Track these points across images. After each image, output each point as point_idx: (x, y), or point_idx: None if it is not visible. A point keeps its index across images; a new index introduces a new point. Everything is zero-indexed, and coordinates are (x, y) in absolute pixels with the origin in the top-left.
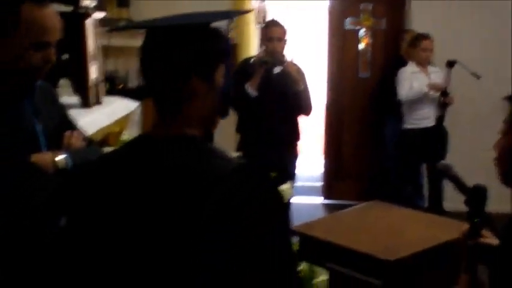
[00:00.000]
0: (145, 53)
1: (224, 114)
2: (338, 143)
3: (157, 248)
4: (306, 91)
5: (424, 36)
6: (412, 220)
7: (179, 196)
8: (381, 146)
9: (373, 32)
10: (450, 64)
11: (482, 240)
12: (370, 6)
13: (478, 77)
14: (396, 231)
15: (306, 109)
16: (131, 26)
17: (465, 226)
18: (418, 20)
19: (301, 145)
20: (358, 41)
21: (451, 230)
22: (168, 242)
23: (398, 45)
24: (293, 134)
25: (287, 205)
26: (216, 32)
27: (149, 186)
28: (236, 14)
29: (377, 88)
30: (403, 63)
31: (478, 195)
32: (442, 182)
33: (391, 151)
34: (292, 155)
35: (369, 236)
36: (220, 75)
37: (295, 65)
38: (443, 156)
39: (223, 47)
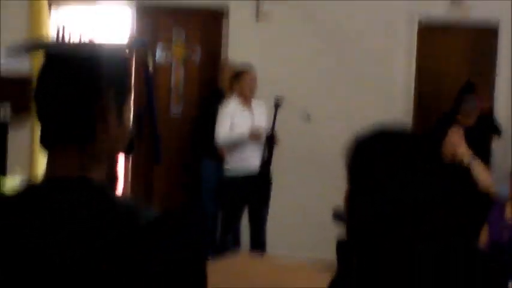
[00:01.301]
0: (44, 83)
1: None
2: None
3: None
4: None
5: (246, 69)
6: None
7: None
8: (198, 192)
9: (186, 62)
10: (276, 104)
11: None
12: (183, 33)
13: (307, 118)
14: None
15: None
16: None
17: None
18: (238, 48)
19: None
20: (169, 73)
21: None
22: None
23: (216, 78)
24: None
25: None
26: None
27: (51, 243)
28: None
29: (193, 126)
30: (222, 98)
31: None
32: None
33: (211, 196)
34: None
35: None
36: (128, 110)
37: None
38: (267, 202)
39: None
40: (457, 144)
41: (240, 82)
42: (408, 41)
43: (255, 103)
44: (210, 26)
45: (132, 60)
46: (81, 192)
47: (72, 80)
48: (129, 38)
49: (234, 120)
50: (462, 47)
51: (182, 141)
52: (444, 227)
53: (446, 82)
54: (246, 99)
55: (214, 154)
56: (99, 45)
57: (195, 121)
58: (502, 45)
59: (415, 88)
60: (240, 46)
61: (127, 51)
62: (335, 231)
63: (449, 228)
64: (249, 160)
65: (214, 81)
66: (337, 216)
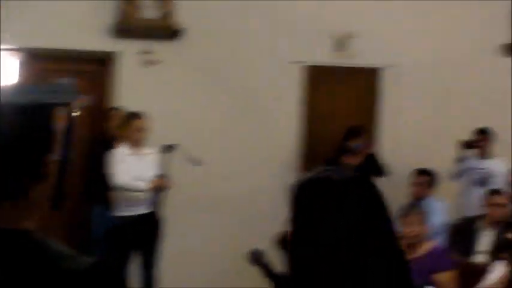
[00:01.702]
0: None
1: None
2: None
3: None
4: None
5: (136, 115)
6: None
7: None
8: (86, 236)
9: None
10: (167, 149)
11: None
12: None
13: (198, 163)
14: None
15: None
16: None
17: None
18: (127, 95)
19: None
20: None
21: None
22: None
23: (104, 125)
24: None
25: None
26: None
27: None
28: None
29: (83, 173)
30: (111, 145)
31: (286, 283)
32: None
33: (100, 241)
34: None
35: None
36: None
37: None
38: (157, 246)
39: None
40: None
41: (128, 128)
42: (296, 85)
43: (146, 150)
44: (99, 72)
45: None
46: (13, 242)
47: None
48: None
49: (122, 166)
50: (349, 90)
51: (72, 187)
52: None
53: (335, 124)
54: (135, 145)
55: (104, 200)
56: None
57: (85, 168)
58: (385, 88)
59: (305, 129)
60: (129, 92)
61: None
62: (229, 274)
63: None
64: (138, 205)
65: (103, 128)
66: (255, 259)
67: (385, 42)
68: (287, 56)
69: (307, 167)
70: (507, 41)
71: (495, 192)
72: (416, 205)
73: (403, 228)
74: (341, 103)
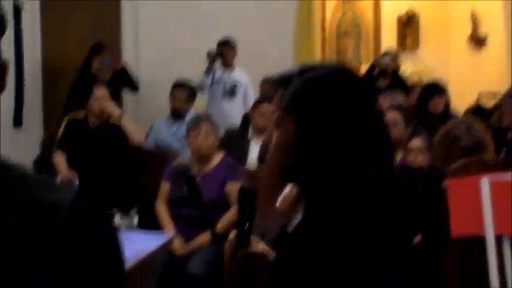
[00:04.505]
0: None
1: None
2: None
3: None
4: None
5: None
6: None
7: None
8: None
9: None
10: None
11: (253, 250)
12: None
13: None
14: None
15: None
16: None
17: (232, 234)
18: None
19: None
20: None
21: None
22: None
23: None
24: None
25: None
26: None
27: None
28: None
29: None
30: None
31: (246, 196)
32: None
33: None
34: None
35: None
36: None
37: None
38: None
39: None
40: (103, 100)
41: None
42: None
43: None
44: None
45: None
46: None
47: None
48: None
49: None
50: (85, 20)
51: None
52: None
53: (71, 54)
54: None
55: None
56: None
57: None
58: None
59: (42, 66)
60: None
61: None
62: None
63: None
64: None
65: None
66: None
67: None
68: None
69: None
70: None
71: (261, 101)
72: (205, 117)
73: (193, 140)
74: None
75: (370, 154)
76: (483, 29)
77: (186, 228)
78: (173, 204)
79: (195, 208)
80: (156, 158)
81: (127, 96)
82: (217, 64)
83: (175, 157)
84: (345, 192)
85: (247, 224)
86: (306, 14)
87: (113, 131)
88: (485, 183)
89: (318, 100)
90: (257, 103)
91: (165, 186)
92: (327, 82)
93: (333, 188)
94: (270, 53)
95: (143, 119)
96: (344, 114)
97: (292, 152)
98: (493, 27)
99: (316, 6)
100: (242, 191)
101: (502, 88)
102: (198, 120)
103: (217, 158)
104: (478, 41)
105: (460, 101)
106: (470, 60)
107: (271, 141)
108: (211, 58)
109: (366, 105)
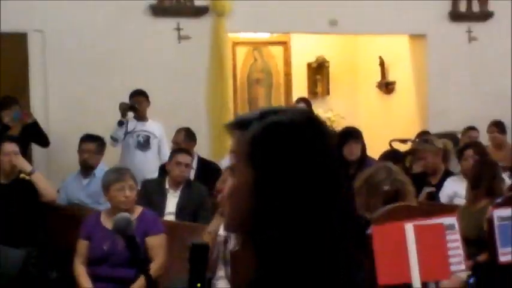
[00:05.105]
0: None
1: None
2: None
3: None
4: None
5: None
6: None
7: None
8: None
9: None
10: None
11: None
12: None
13: None
14: None
15: None
16: None
17: None
18: None
19: None
20: None
21: None
22: None
23: None
24: None
25: None
26: None
27: None
28: None
29: None
30: None
31: (199, 254)
32: None
33: None
34: None
35: None
36: None
37: None
38: None
39: None
40: (13, 155)
41: None
42: None
43: None
44: None
45: None
46: None
47: None
48: None
49: None
50: None
51: None
52: None
53: None
54: None
55: None
56: None
57: None
58: (33, 53)
59: None
60: None
61: None
62: None
63: None
64: None
65: None
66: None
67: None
68: None
69: None
70: (153, 1)
71: (179, 150)
72: (125, 170)
73: (116, 194)
74: None
75: (330, 200)
76: (391, 75)
77: None
78: (93, 264)
79: (132, 267)
80: (69, 215)
81: (36, 150)
82: (130, 116)
83: (87, 214)
84: (306, 239)
85: (198, 285)
86: (218, 63)
87: (24, 187)
88: (409, 228)
89: (279, 147)
90: (174, 153)
91: (82, 245)
92: (289, 129)
93: (292, 235)
94: (183, 103)
95: (53, 174)
96: (305, 161)
97: (249, 198)
98: (400, 73)
99: (228, 54)
100: (193, 248)
101: (413, 131)
102: (120, 174)
103: (137, 211)
104: (386, 86)
105: (371, 146)
106: (379, 105)
107: (223, 189)
108: (123, 110)
109: (327, 152)
